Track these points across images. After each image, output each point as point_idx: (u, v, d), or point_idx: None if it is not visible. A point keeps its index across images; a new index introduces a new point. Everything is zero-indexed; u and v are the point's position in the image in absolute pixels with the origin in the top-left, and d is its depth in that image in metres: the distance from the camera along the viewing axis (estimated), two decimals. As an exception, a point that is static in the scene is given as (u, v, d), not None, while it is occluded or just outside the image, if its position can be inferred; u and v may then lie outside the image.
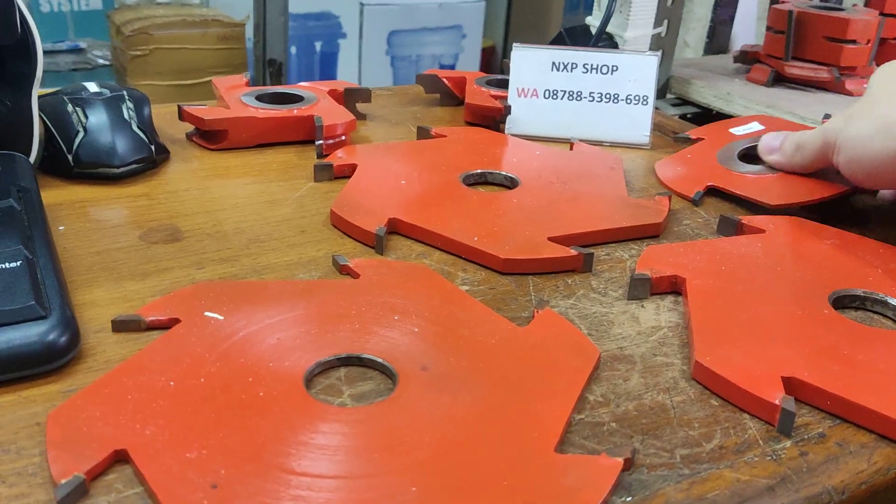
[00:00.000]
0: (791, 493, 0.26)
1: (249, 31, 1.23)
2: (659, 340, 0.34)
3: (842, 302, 0.37)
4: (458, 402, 0.29)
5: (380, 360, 0.31)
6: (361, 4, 2.21)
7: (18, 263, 0.32)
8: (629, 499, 0.25)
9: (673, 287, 0.38)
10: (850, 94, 0.80)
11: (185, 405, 0.28)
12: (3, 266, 0.32)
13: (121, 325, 0.33)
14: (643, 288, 0.37)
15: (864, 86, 0.85)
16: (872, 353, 0.32)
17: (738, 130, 0.57)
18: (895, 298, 0.36)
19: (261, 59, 1.08)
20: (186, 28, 1.20)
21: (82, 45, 1.41)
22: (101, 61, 1.33)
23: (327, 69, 2.24)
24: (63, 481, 0.24)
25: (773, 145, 0.50)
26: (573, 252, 0.39)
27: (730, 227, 0.44)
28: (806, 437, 0.29)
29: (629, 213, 0.44)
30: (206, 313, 0.33)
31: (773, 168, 0.50)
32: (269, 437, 0.27)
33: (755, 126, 0.57)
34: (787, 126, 0.57)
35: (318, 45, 2.21)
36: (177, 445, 0.26)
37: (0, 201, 0.36)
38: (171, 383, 0.29)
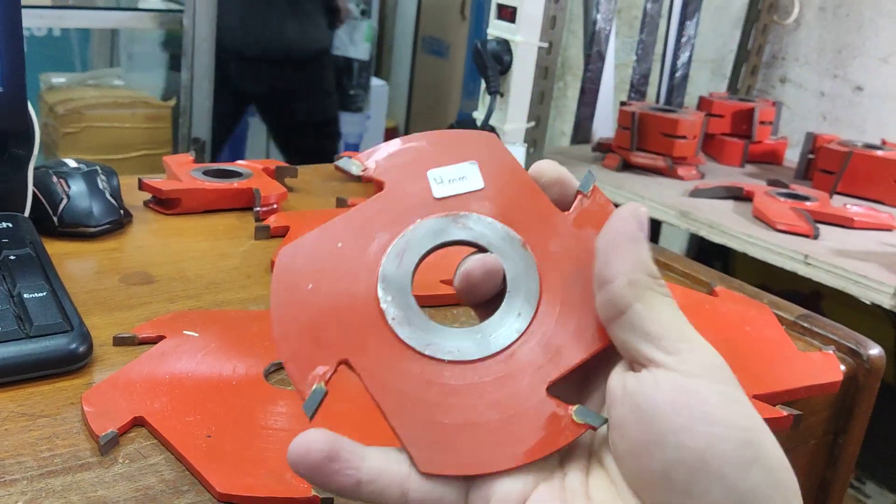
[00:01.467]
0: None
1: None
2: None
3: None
4: (374, 386, 0.42)
5: (317, 361, 0.43)
6: (272, 85, 2.36)
7: (45, 293, 0.43)
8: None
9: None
10: (681, 178, 1.00)
11: (180, 390, 0.40)
12: (35, 295, 0.43)
13: (120, 341, 0.44)
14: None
15: (693, 171, 1.04)
16: None
17: (439, 182, 0.30)
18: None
19: (186, 137, 1.20)
20: (117, 108, 1.31)
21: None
22: (30, 135, 1.41)
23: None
24: (103, 434, 0.36)
25: (609, 274, 0.27)
26: (457, 291, 0.53)
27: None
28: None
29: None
30: (185, 332, 0.45)
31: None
32: (244, 409, 0.39)
33: (472, 174, 0.31)
34: (509, 165, 0.31)
35: (229, 122, 2.32)
36: (178, 413, 0.38)
37: (21, 250, 0.46)
38: (167, 377, 0.41)
